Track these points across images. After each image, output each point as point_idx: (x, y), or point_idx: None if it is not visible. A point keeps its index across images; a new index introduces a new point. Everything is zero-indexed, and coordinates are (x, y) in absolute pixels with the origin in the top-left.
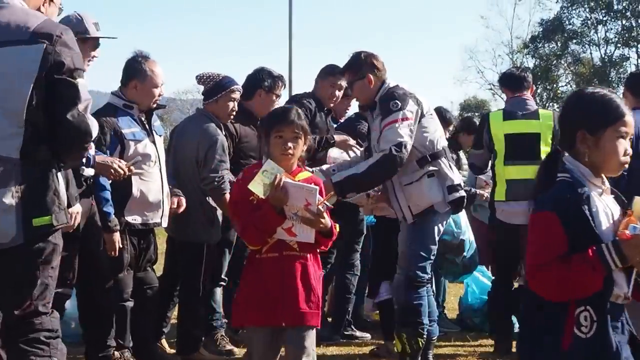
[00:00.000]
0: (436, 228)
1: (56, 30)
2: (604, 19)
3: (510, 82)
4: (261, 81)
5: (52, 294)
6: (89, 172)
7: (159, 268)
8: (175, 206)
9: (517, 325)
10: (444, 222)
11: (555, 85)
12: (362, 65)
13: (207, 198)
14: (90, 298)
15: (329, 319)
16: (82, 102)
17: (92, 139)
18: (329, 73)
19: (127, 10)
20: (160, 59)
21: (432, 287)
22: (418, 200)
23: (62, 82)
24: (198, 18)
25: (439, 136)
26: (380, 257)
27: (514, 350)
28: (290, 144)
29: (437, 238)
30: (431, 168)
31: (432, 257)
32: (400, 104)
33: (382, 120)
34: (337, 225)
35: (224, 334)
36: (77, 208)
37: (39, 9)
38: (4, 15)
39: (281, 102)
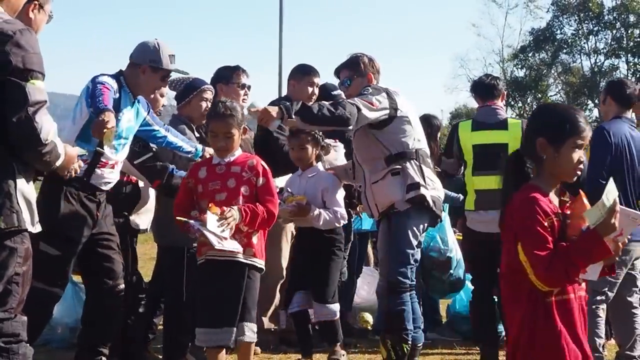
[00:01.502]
0: (410, 232)
1: (9, 30)
2: (595, 29)
3: (481, 90)
4: (218, 76)
5: (17, 300)
6: (113, 176)
7: (147, 274)
8: None
9: (503, 333)
10: (420, 227)
11: (545, 95)
12: (366, 64)
13: None
14: (100, 301)
15: (316, 327)
16: (31, 105)
17: (46, 142)
18: (305, 73)
19: (115, 18)
20: None
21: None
22: (381, 198)
23: (8, 84)
24: (189, 26)
25: (413, 140)
26: (298, 267)
27: (500, 358)
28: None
29: (414, 243)
30: (396, 166)
31: (413, 262)
32: (371, 90)
33: None
34: None
35: None
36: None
37: (26, 14)
38: None
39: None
